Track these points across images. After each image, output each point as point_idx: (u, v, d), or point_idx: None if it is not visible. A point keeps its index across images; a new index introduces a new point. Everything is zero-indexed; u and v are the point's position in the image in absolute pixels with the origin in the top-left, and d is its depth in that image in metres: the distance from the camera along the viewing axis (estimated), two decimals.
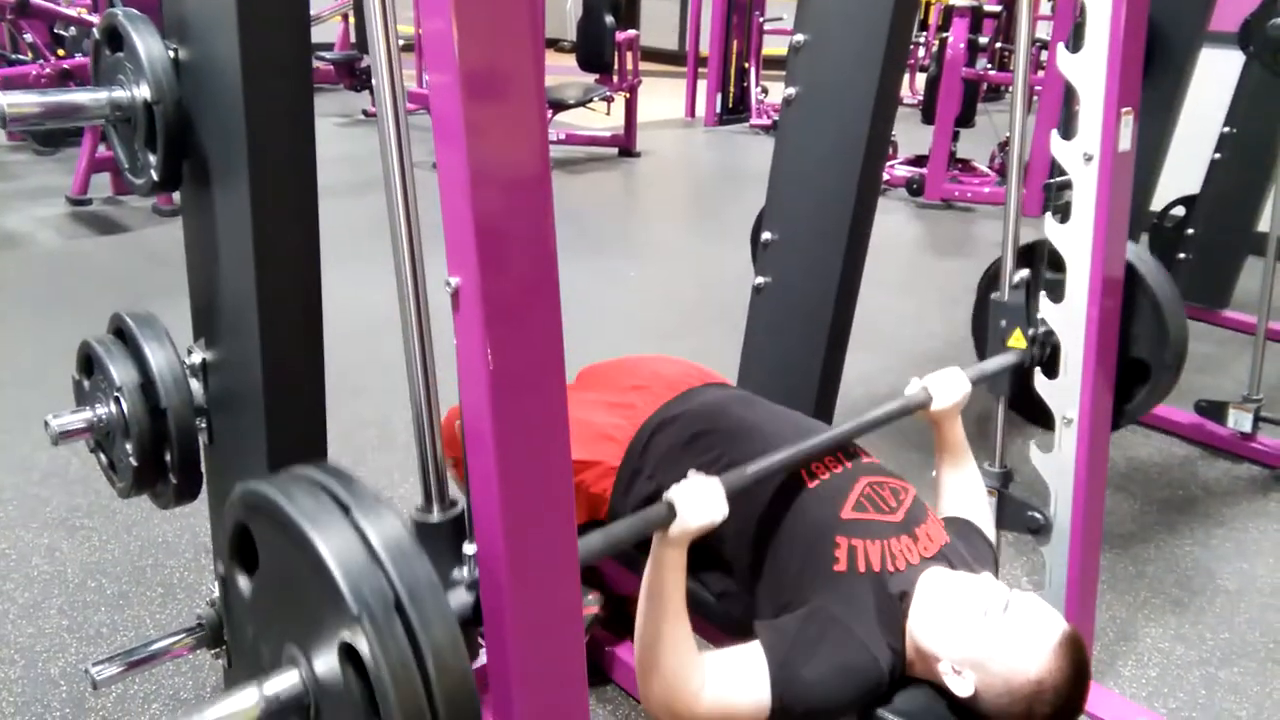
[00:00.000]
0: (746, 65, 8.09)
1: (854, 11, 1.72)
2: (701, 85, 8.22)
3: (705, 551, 1.46)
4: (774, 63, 8.50)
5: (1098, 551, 1.87)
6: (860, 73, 1.73)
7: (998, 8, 5.98)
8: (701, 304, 3.99)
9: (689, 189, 6.72)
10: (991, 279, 1.83)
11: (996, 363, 1.73)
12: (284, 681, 0.85)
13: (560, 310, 0.93)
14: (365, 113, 7.41)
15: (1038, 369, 1.73)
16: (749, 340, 2.08)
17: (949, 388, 1.59)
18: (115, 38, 1.14)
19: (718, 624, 1.55)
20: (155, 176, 1.13)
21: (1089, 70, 1.56)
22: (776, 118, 7.65)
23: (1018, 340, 1.72)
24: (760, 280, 1.98)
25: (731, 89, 8.15)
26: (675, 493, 1.23)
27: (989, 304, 1.78)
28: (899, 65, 1.78)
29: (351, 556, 0.78)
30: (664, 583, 1.25)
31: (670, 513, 1.21)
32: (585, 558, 1.05)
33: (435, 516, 0.99)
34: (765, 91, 8.11)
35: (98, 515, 2.39)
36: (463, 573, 0.98)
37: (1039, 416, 1.78)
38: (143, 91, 1.10)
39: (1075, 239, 1.64)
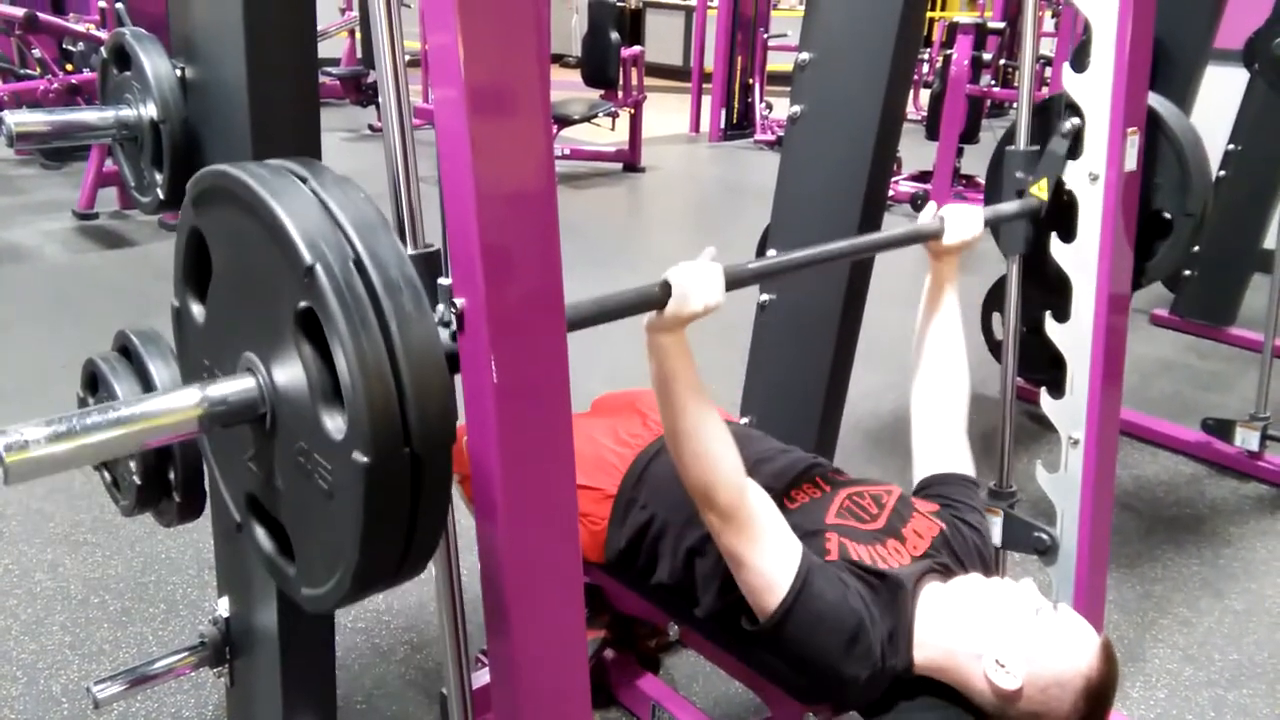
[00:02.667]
0: (751, 81, 8.12)
1: (859, 30, 1.73)
2: (706, 101, 8.24)
3: (693, 576, 1.45)
4: (778, 78, 8.53)
5: (1104, 571, 1.86)
6: (866, 90, 1.73)
7: (1001, 25, 6.00)
8: (705, 320, 3.98)
9: (693, 204, 6.73)
10: (1006, 140, 1.79)
11: (1013, 207, 1.67)
12: (234, 385, 0.80)
13: (565, 326, 0.93)
14: (371, 127, 7.44)
15: (1053, 235, 1.68)
16: (754, 357, 2.08)
17: (963, 223, 1.54)
18: (123, 57, 1.14)
19: (716, 641, 1.54)
20: (161, 195, 1.13)
21: (1095, 90, 1.56)
22: (781, 133, 7.67)
23: (1039, 190, 1.66)
24: (765, 297, 1.98)
25: (736, 104, 8.17)
26: (673, 272, 1.17)
27: (1003, 157, 1.73)
28: (904, 83, 1.78)
29: (307, 215, 0.72)
30: (674, 370, 1.20)
31: (665, 292, 1.15)
32: (574, 320, 0.99)
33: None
34: (770, 107, 8.13)
35: (101, 531, 2.38)
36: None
37: (1051, 295, 1.72)
38: (149, 110, 1.11)
39: (1081, 257, 1.63)
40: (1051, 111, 1.72)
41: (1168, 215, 1.87)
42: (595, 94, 6.74)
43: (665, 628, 1.59)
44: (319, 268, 0.70)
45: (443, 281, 0.85)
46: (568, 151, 6.81)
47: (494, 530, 0.90)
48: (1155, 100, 1.76)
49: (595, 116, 6.46)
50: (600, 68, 6.63)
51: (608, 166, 6.88)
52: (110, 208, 5.06)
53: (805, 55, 1.80)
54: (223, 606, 1.43)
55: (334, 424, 0.73)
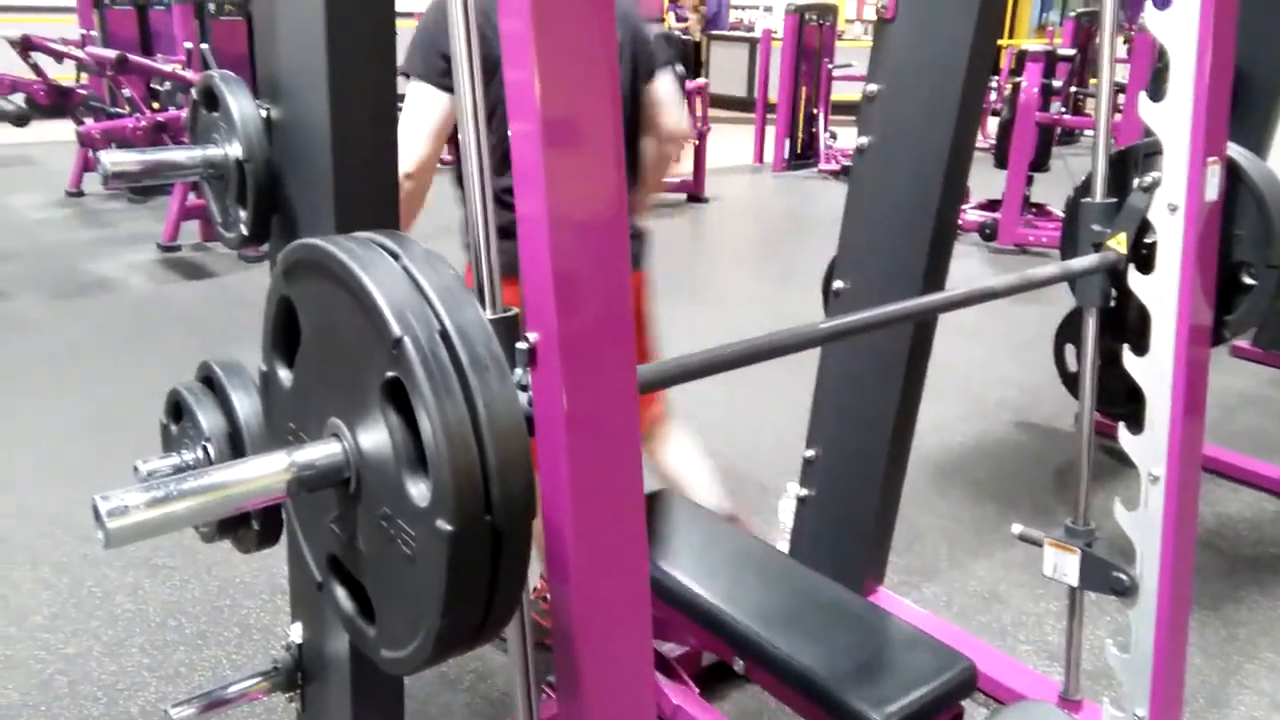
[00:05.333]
0: (815, 111, 8.11)
1: (928, 61, 1.72)
2: (770, 131, 8.25)
3: None
4: (843, 108, 8.51)
5: (1186, 613, 1.79)
6: (935, 122, 1.72)
7: (1072, 52, 5.91)
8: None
9: (758, 234, 6.73)
10: (1082, 191, 1.75)
11: (1091, 261, 1.61)
12: (321, 450, 0.81)
13: (635, 358, 0.93)
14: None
15: (1131, 267, 1.62)
16: (820, 388, 2.06)
17: None
18: (211, 98, 1.18)
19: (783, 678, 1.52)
20: (245, 231, 1.17)
21: (1173, 119, 1.53)
22: (846, 162, 7.67)
23: (1118, 244, 1.62)
24: (822, 321, 1.97)
25: (800, 134, 8.17)
26: None
27: (1077, 209, 1.69)
28: (974, 114, 1.77)
29: (395, 288, 0.74)
30: None
31: None
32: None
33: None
34: (834, 136, 8.12)
35: (179, 555, 2.45)
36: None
37: (1128, 327, 1.67)
38: (235, 150, 1.14)
39: (1160, 289, 1.59)
40: (1129, 161, 1.68)
41: (1250, 270, 1.82)
42: None
43: (730, 660, 1.58)
44: (407, 340, 0.72)
45: (520, 346, 0.87)
46: None
47: (565, 576, 0.90)
48: (1234, 150, 1.71)
49: None
50: None
51: (672, 197, 6.91)
52: (192, 240, 5.24)
53: (873, 87, 1.80)
54: (295, 633, 1.45)
55: (418, 491, 0.75)
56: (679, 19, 12.47)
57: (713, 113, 7.31)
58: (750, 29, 12.44)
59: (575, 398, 0.85)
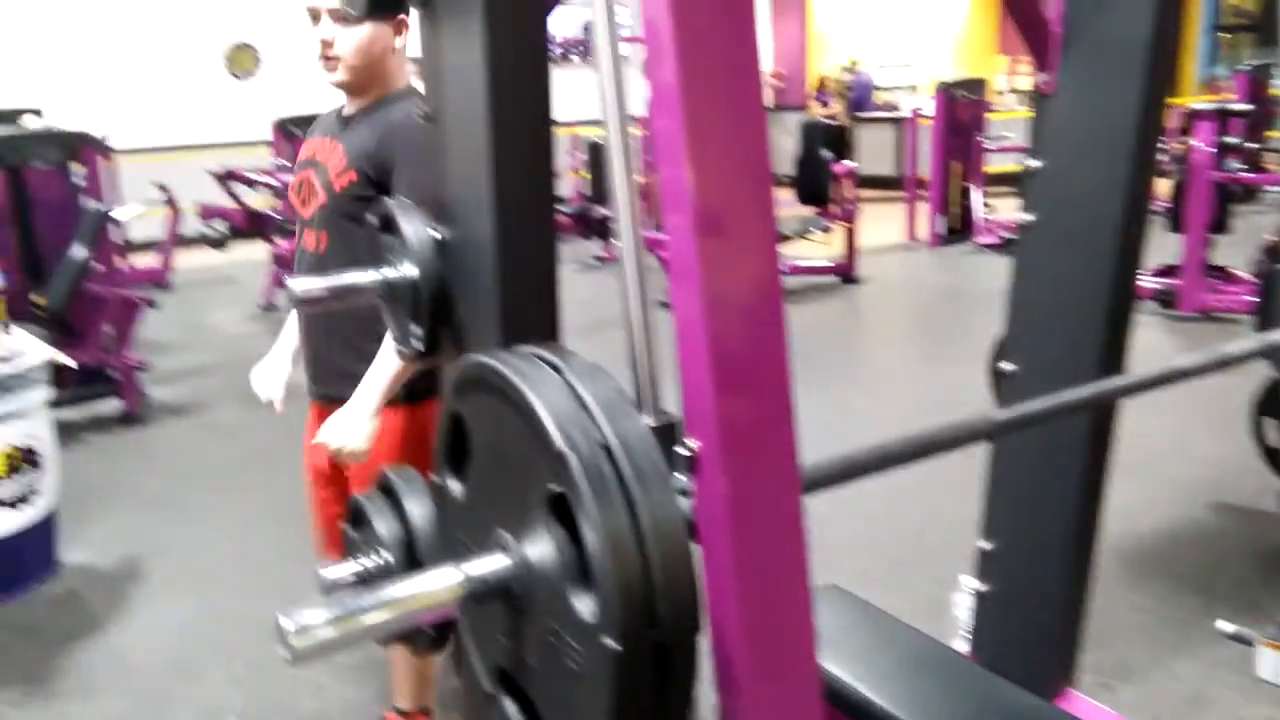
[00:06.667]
0: (968, 185, 7.95)
1: (1094, 132, 1.66)
2: (921, 208, 8.14)
3: None
4: (999, 179, 8.31)
5: None
6: (1105, 194, 1.65)
7: (1247, 106, 5.59)
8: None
9: (915, 313, 6.58)
10: (1275, 257, 1.62)
11: None
12: (489, 564, 0.82)
13: (797, 456, 0.92)
14: (596, 258, 7.85)
15: None
16: (993, 474, 1.96)
17: None
18: (389, 223, 1.27)
19: None
20: (420, 346, 1.23)
21: None
22: (1005, 235, 7.45)
23: None
24: (998, 411, 1.88)
25: (954, 209, 8.01)
26: None
27: (1274, 277, 1.56)
28: (1147, 183, 1.68)
29: (559, 403, 0.76)
30: None
31: None
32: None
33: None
34: (991, 209, 7.91)
35: (359, 653, 2.54)
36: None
37: None
38: (410, 271, 1.22)
39: None
40: None
41: None
42: (807, 210, 6.81)
43: None
44: (570, 455, 0.73)
45: (680, 451, 0.87)
46: (784, 268, 6.89)
47: (734, 686, 0.88)
48: None
49: (809, 233, 6.51)
50: (813, 185, 6.72)
51: (824, 280, 6.88)
52: None
53: (1035, 162, 1.75)
54: None
55: (584, 607, 0.75)
56: (823, 104, 12.59)
57: (862, 193, 7.27)
58: (895, 109, 12.40)
59: (739, 503, 0.85)
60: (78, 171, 4.76)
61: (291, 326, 2.07)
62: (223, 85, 10.00)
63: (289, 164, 7.05)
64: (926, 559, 2.85)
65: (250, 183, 6.65)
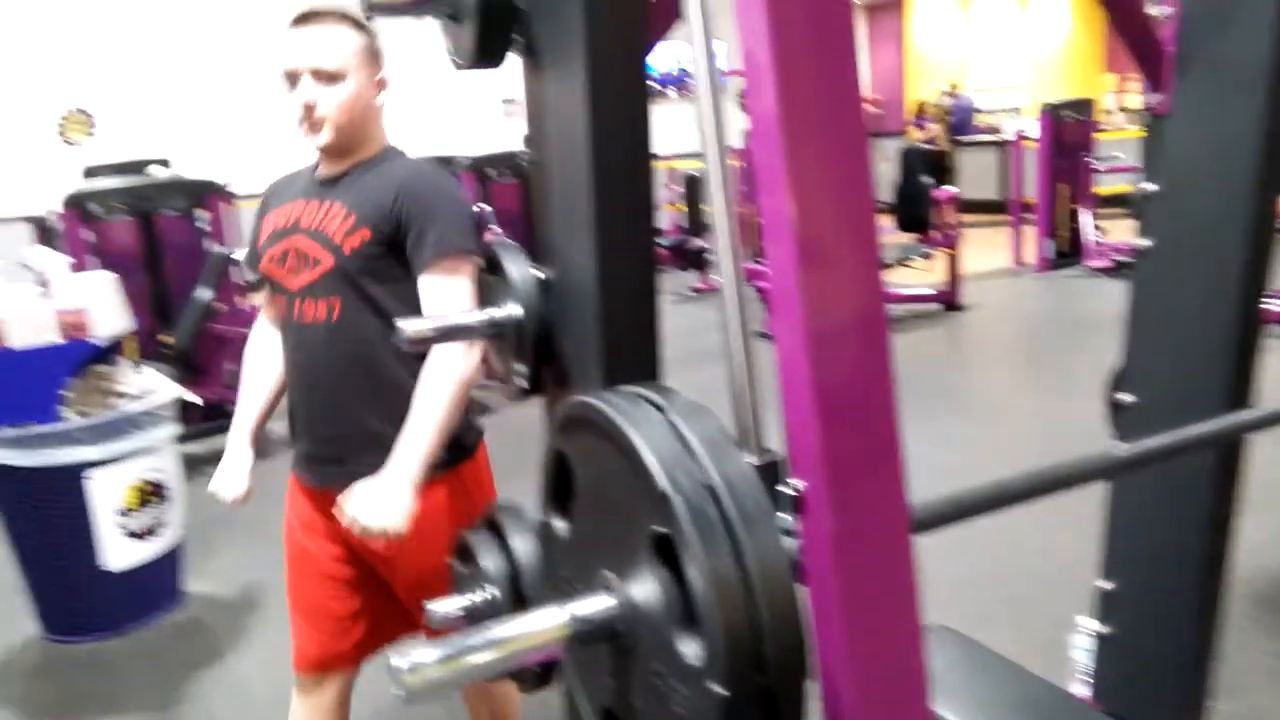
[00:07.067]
0: (1077, 207, 7.71)
1: (1214, 152, 1.59)
2: (1028, 232, 7.92)
3: None
4: (1109, 201, 8.03)
5: None
6: (1228, 216, 1.58)
7: None
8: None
9: (1022, 340, 6.38)
10: None
11: None
12: (594, 604, 0.82)
13: (905, 494, 0.90)
14: (693, 289, 7.87)
15: None
16: (1113, 511, 1.88)
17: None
18: (494, 265, 1.30)
19: None
20: (524, 385, 1.26)
21: None
22: (1118, 258, 7.19)
23: None
24: (1120, 447, 1.81)
25: (1062, 232, 7.77)
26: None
27: None
28: (1270, 203, 1.60)
29: (662, 443, 0.76)
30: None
31: None
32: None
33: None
34: (1102, 231, 7.65)
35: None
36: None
37: None
38: (515, 311, 1.25)
39: None
40: None
41: None
42: (908, 237, 6.71)
43: None
44: (674, 495, 0.73)
45: (784, 490, 0.86)
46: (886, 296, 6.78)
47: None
48: None
49: (909, 260, 6.40)
50: (913, 211, 6.63)
51: (927, 308, 6.74)
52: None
53: (1150, 186, 1.68)
54: None
55: (689, 650, 0.74)
56: (922, 129, 12.41)
57: (965, 217, 7.12)
58: (998, 131, 12.13)
59: (847, 543, 0.83)
60: (202, 217, 5.04)
61: (245, 413, 1.91)
62: None
63: None
64: (1041, 598, 2.74)
65: None
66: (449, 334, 1.27)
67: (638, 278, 1.14)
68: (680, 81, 10.77)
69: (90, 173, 6.75)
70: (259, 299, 1.97)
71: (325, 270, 1.72)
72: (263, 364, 1.92)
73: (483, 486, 1.92)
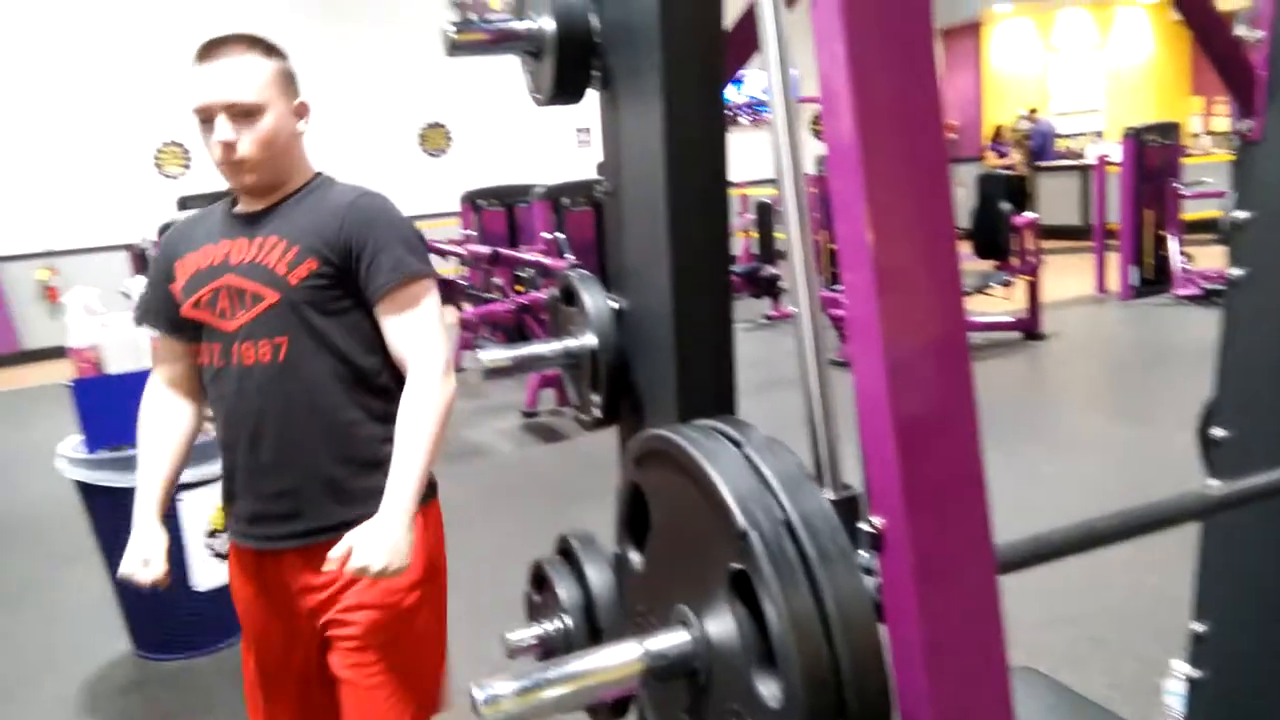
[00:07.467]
0: (1163, 233, 7.48)
1: None
2: (1111, 258, 7.70)
3: None
4: (1197, 226, 7.77)
5: None
6: None
7: None
8: (1135, 503, 3.56)
9: (1107, 371, 6.20)
10: None
11: None
12: (670, 639, 0.81)
13: (990, 531, 0.87)
14: (766, 316, 7.83)
15: None
16: (1206, 549, 1.80)
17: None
18: (569, 295, 1.32)
19: None
20: (598, 414, 1.26)
21: None
22: (1207, 285, 6.94)
23: None
24: (1215, 486, 1.74)
25: (1148, 259, 7.55)
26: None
27: None
28: None
29: (740, 479, 0.75)
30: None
31: None
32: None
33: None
34: (1190, 258, 7.40)
35: None
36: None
37: None
38: (590, 341, 1.25)
39: None
40: None
41: None
42: (986, 264, 6.58)
43: None
44: (751, 533, 0.73)
45: (863, 527, 0.85)
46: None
47: None
48: None
49: (987, 287, 6.28)
50: (991, 238, 6.50)
51: (1006, 336, 6.59)
52: (549, 406, 5.75)
53: (1242, 214, 1.63)
54: None
55: (768, 691, 0.73)
56: (1000, 155, 12.20)
57: (1045, 244, 6.96)
58: (1080, 156, 11.87)
59: (929, 583, 0.81)
60: None
61: (149, 487, 1.71)
62: (417, 162, 10.74)
63: (475, 233, 7.47)
64: (1130, 639, 2.64)
65: (443, 254, 7.06)
66: (523, 364, 1.28)
67: (713, 307, 1.14)
68: (752, 109, 10.80)
69: (184, 203, 7.04)
70: (151, 355, 1.82)
71: (268, 306, 1.59)
72: (162, 429, 1.74)
73: (440, 524, 1.83)
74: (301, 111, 1.65)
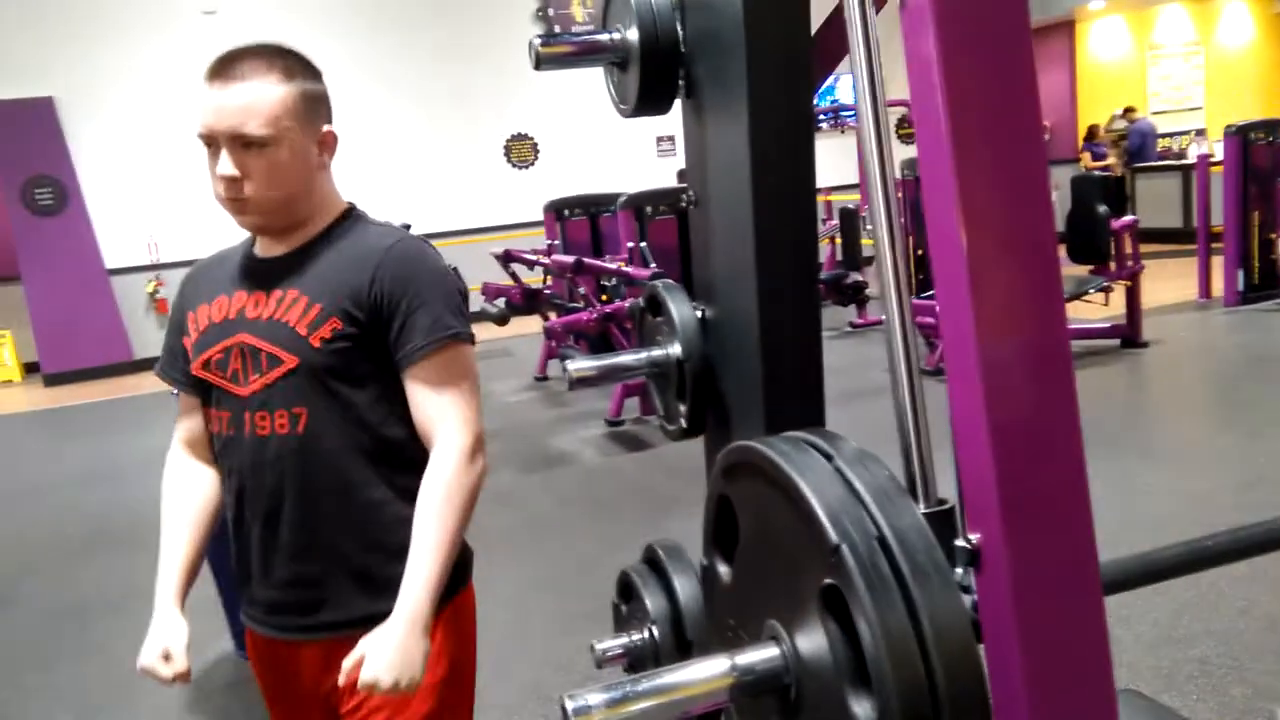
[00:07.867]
0: (1272, 236, 7.14)
1: None
2: (1216, 262, 7.38)
3: None
4: None
5: None
6: None
7: None
8: (1244, 519, 3.40)
9: (1212, 379, 5.93)
10: None
11: None
12: (760, 654, 0.80)
13: (1094, 550, 0.84)
14: (851, 324, 7.72)
15: None
16: None
17: None
18: (655, 305, 1.32)
19: None
20: (684, 424, 1.26)
21: None
22: None
23: None
24: None
25: (1255, 263, 7.21)
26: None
27: None
28: None
29: (831, 492, 0.74)
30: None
31: None
32: None
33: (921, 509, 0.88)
34: None
35: None
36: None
37: None
38: (675, 350, 1.25)
39: None
40: None
41: None
42: (1082, 269, 6.36)
43: None
44: (844, 548, 0.72)
45: (959, 543, 0.82)
46: None
47: None
48: None
49: (1085, 293, 6.07)
50: (1087, 242, 6.28)
51: (1103, 344, 6.36)
52: (633, 415, 5.77)
53: None
54: None
55: (861, 710, 0.72)
56: (1096, 156, 11.81)
57: (1144, 248, 6.70)
58: (1181, 156, 11.41)
59: (1029, 601, 0.79)
60: None
61: (169, 570, 1.50)
62: (503, 174, 10.92)
63: (559, 243, 7.56)
64: (1239, 662, 2.51)
65: (529, 263, 7.16)
66: (609, 373, 1.29)
67: (800, 316, 1.13)
68: (833, 115, 10.67)
69: None
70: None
71: (287, 370, 1.40)
72: (182, 502, 1.52)
73: (472, 616, 1.62)
74: (327, 141, 1.44)
